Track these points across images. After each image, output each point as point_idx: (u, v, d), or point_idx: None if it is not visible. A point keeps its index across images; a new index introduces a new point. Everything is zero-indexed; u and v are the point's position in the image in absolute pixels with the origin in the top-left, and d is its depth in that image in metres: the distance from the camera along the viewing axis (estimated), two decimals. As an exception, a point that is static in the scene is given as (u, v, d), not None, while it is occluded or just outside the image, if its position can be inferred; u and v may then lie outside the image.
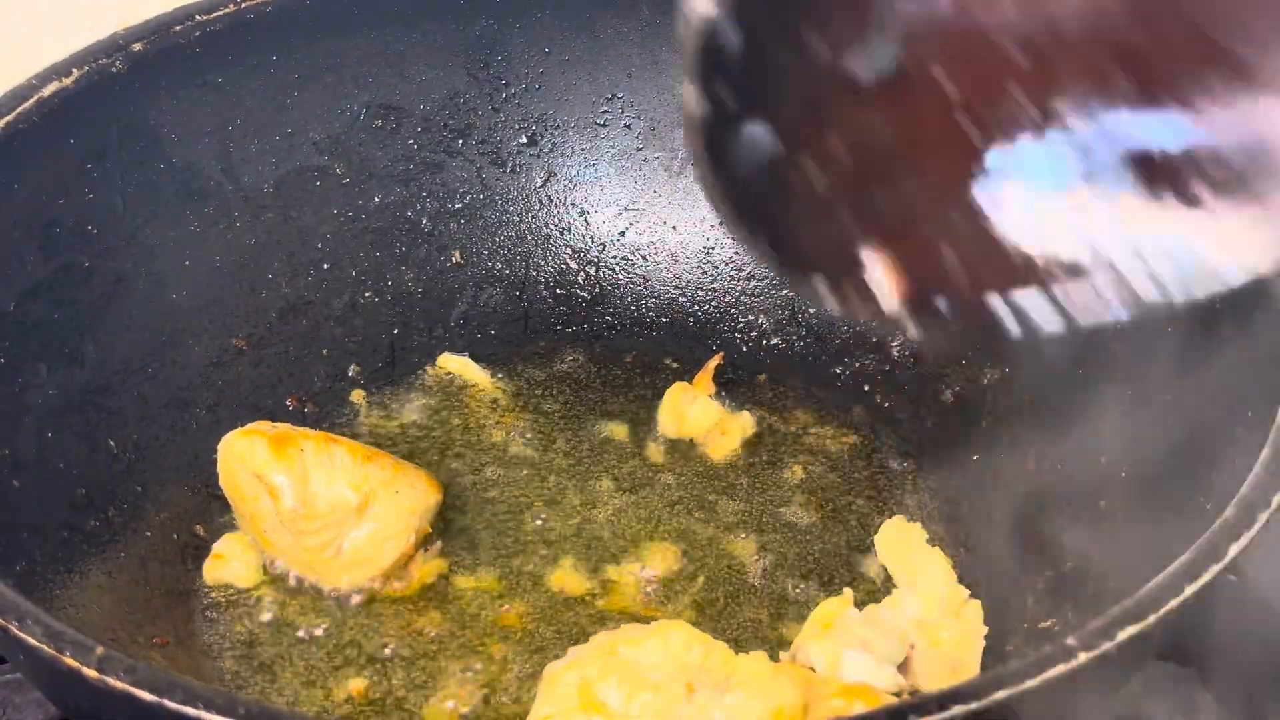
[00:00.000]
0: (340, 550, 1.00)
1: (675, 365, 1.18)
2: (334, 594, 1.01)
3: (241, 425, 1.02)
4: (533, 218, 1.21)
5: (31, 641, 0.72)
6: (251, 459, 0.99)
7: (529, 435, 1.12)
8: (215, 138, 1.10)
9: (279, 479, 0.98)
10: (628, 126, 1.21)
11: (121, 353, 1.05)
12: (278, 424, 1.02)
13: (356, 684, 0.96)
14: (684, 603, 1.01)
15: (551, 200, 1.21)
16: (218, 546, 1.03)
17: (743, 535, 1.06)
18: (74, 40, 1.05)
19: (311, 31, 1.12)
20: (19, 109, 0.99)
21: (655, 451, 1.11)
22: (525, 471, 1.10)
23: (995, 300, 0.68)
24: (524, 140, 1.20)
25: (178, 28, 1.07)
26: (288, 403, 1.13)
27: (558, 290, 1.21)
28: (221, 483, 1.02)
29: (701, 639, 0.86)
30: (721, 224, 1.20)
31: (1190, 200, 0.65)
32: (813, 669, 0.91)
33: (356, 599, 1.01)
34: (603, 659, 0.85)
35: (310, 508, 0.99)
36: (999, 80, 0.64)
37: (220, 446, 1.01)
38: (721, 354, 1.16)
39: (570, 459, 1.11)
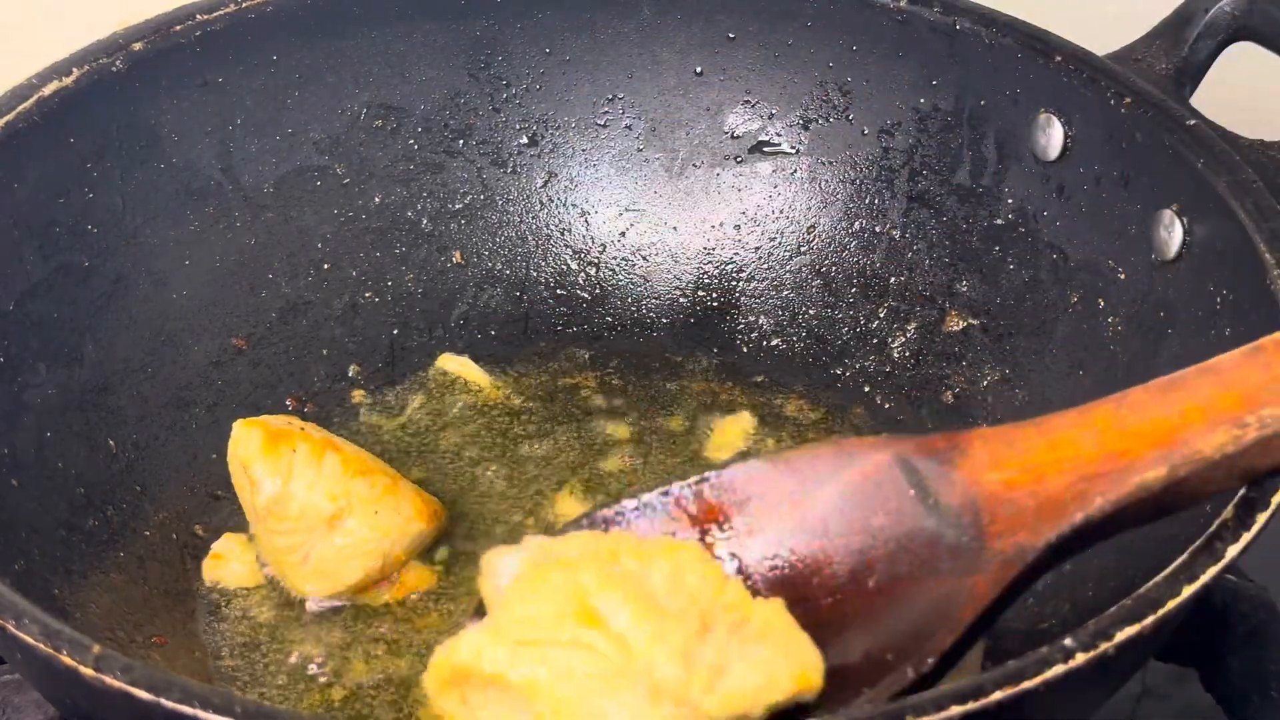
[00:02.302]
0: (306, 557, 0.99)
1: (675, 365, 1.18)
2: (332, 596, 1.01)
3: (241, 425, 1.02)
4: (533, 218, 1.21)
5: (29, 640, 0.72)
6: (245, 447, 0.98)
7: (529, 436, 1.12)
8: (215, 138, 1.10)
9: (259, 472, 0.98)
10: (628, 127, 1.21)
11: (121, 352, 1.05)
12: (294, 419, 1.02)
13: (354, 685, 0.96)
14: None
15: (552, 201, 1.21)
16: (217, 546, 1.03)
17: (743, 536, 1.05)
18: (74, 40, 1.05)
19: (311, 31, 1.12)
20: (19, 109, 0.99)
21: (657, 452, 1.11)
22: (525, 473, 1.10)
23: None
24: (525, 140, 1.20)
25: (178, 27, 1.07)
26: (287, 403, 1.13)
27: (558, 291, 1.21)
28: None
29: (714, 570, 0.74)
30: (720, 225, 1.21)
31: None
32: None
33: (352, 601, 1.01)
34: (600, 566, 0.72)
35: (282, 508, 0.98)
36: None
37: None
38: None
39: (571, 460, 1.11)
